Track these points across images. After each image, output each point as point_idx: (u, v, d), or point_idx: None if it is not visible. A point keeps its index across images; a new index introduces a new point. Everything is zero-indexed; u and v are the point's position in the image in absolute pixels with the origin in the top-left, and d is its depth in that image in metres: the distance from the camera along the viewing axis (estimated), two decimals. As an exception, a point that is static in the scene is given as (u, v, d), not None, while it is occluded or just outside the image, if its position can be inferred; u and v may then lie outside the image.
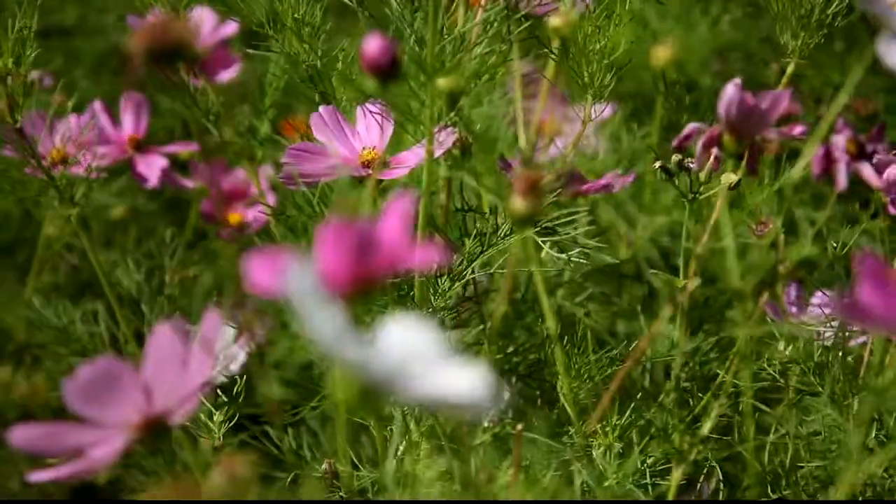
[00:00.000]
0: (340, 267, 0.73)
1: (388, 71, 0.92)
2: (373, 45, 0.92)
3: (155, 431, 0.90)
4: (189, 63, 0.84)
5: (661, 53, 0.90)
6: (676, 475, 1.04)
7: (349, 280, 0.73)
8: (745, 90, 1.02)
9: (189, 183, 1.57)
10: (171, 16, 0.82)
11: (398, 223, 0.75)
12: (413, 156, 1.21)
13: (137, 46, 0.82)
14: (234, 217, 1.61)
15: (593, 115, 1.59)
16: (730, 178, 1.17)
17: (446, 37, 1.16)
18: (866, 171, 0.97)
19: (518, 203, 0.93)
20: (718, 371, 0.95)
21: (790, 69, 1.40)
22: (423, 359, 0.63)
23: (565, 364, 0.98)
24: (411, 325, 0.66)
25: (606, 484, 0.94)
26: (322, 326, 0.62)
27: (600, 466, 1.02)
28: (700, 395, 1.03)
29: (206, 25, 1.63)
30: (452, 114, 1.08)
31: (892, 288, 0.77)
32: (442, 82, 1.01)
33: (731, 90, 1.02)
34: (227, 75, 1.62)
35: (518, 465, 0.96)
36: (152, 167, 1.55)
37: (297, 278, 0.62)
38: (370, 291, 0.74)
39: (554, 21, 1.00)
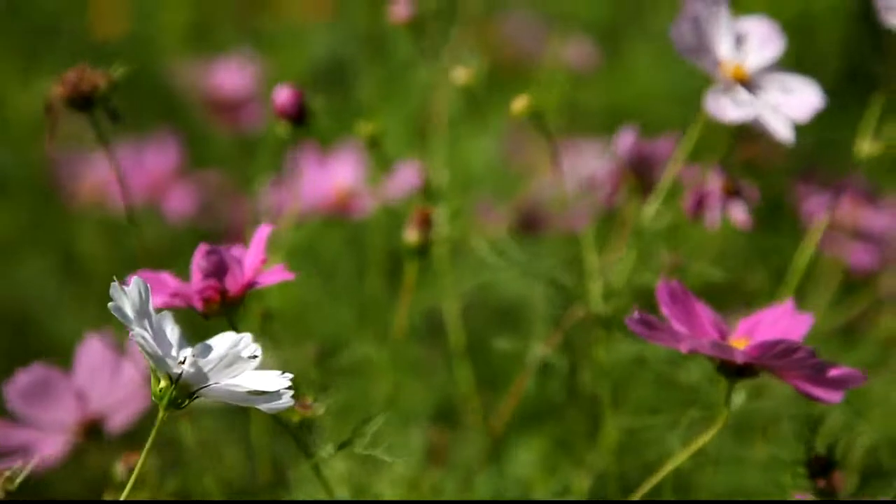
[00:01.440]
0: (198, 285, 0.85)
1: (296, 118, 1.04)
2: (282, 94, 1.04)
3: (92, 433, 1.03)
4: (108, 110, 0.96)
5: (518, 105, 1.01)
6: (580, 483, 1.14)
7: (205, 297, 0.85)
8: (640, 136, 1.13)
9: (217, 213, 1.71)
10: (88, 66, 0.94)
11: (256, 249, 0.88)
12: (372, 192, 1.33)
13: (56, 94, 0.95)
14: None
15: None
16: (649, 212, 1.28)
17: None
18: (735, 209, 1.07)
19: (411, 235, 1.05)
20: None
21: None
22: (234, 364, 0.75)
23: (469, 378, 1.09)
24: (231, 337, 0.78)
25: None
26: (140, 337, 0.74)
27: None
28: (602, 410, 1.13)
29: (234, 74, 1.77)
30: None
31: (687, 311, 0.87)
32: (362, 126, 1.13)
33: (624, 136, 1.13)
34: (250, 123, 1.75)
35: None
36: (182, 199, 1.69)
37: (118, 297, 0.75)
38: (230, 307, 0.86)
39: (458, 73, 1.12)
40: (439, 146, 1.20)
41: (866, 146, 1.00)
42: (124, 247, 1.79)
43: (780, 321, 0.87)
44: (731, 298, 1.23)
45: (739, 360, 0.83)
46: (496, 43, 1.81)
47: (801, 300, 1.19)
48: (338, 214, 1.37)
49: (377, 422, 0.88)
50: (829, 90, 1.60)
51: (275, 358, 1.03)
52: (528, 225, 1.48)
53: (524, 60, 1.82)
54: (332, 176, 1.39)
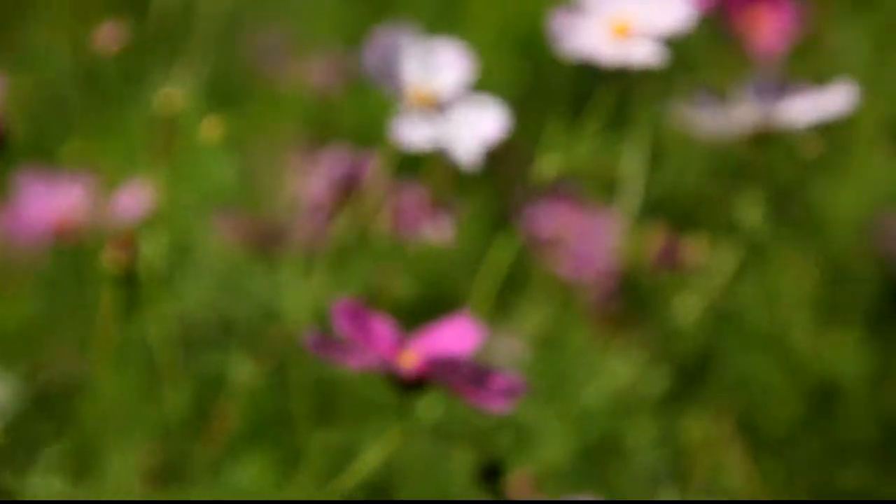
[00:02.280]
0: None
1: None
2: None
3: None
4: None
5: (209, 131, 1.02)
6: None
7: None
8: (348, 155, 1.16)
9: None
10: None
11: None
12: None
13: None
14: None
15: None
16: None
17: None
18: (436, 225, 1.11)
19: (110, 260, 1.06)
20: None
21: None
22: None
23: (178, 399, 1.11)
24: None
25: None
26: None
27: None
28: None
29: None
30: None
31: (365, 329, 0.89)
32: (74, 148, 1.13)
33: (330, 155, 1.15)
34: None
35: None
36: None
37: None
38: None
39: (167, 97, 1.13)
40: (164, 167, 1.21)
41: (549, 161, 1.03)
42: None
43: (454, 335, 0.90)
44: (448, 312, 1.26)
45: (406, 375, 0.85)
46: (240, 61, 1.82)
47: (508, 311, 1.23)
48: (64, 238, 1.37)
49: (57, 447, 0.89)
50: (561, 110, 1.65)
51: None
52: (265, 242, 1.50)
53: (269, 79, 1.83)
54: (59, 200, 1.39)
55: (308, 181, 1.28)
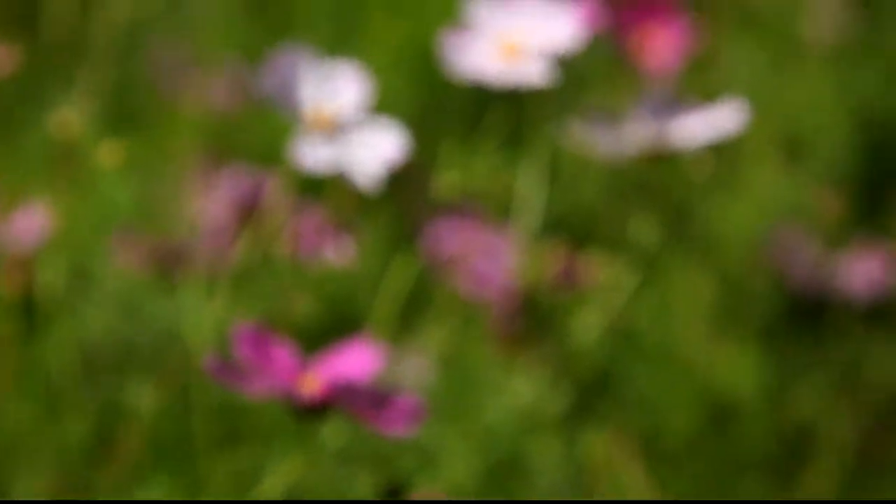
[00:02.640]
0: None
1: None
2: None
3: None
4: None
5: (107, 155, 1.02)
6: None
7: None
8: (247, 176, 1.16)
9: None
10: None
11: None
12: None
13: None
14: None
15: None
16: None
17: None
18: (336, 246, 1.11)
19: (7, 283, 1.05)
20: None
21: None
22: None
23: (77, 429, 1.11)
24: None
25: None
26: None
27: None
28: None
29: None
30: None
31: (265, 353, 0.89)
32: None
33: (230, 175, 1.15)
34: None
35: None
36: None
37: None
38: None
39: (61, 120, 1.12)
40: (62, 190, 1.21)
41: (447, 180, 1.04)
42: None
43: (355, 359, 0.90)
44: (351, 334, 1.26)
45: (308, 401, 0.86)
46: (137, 79, 1.81)
47: (410, 332, 1.24)
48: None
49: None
50: (460, 129, 1.66)
51: None
52: (166, 265, 1.49)
53: (168, 97, 1.82)
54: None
55: (208, 202, 1.28)
